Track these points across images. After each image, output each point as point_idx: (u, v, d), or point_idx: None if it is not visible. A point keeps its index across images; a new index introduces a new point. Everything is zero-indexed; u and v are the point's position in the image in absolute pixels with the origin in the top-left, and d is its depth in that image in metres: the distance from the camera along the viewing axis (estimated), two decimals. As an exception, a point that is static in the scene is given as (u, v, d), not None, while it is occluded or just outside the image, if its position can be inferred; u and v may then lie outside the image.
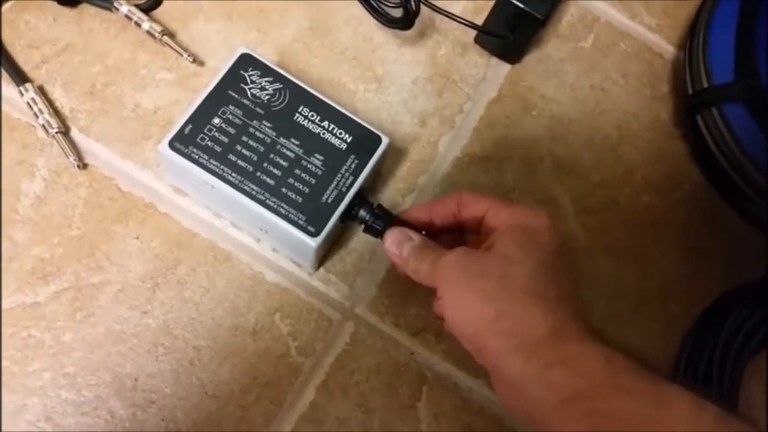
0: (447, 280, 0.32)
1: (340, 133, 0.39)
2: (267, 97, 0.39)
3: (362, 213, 0.39)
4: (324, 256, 0.42)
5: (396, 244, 0.36)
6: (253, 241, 0.42)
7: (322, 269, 0.42)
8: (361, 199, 0.39)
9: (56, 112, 0.42)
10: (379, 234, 0.39)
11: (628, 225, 0.47)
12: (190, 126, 0.38)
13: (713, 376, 0.41)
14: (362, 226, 0.39)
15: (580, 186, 0.47)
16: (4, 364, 0.37)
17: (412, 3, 0.42)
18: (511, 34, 0.45)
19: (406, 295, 0.42)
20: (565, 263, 0.33)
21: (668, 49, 0.52)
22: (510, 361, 0.30)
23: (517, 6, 0.44)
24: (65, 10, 0.45)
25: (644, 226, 0.47)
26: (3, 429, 0.36)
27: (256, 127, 0.38)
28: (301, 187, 0.38)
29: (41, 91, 0.42)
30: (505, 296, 0.31)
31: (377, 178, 0.44)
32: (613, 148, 0.49)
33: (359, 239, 0.43)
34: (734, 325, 0.42)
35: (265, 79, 0.40)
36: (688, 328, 0.44)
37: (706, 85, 0.45)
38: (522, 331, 0.30)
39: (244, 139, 0.38)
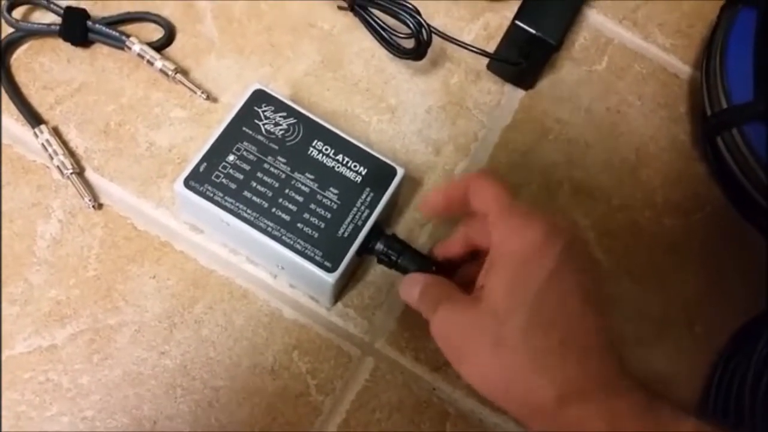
0: (446, 349, 0.32)
1: (355, 166, 0.39)
2: (281, 132, 0.39)
3: (379, 246, 0.38)
4: (341, 290, 0.41)
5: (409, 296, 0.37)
6: (269, 277, 0.41)
7: (339, 304, 0.41)
8: (377, 231, 0.39)
9: (71, 153, 0.42)
10: (394, 265, 0.38)
11: (649, 248, 0.46)
12: (205, 164, 0.37)
13: (744, 407, 0.39)
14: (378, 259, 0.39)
15: (601, 210, 0.46)
16: (21, 408, 0.37)
17: (424, 33, 0.42)
18: (524, 60, 0.45)
19: (426, 329, 0.41)
20: (582, 263, 0.31)
21: (683, 69, 0.52)
22: (527, 426, 0.30)
23: (530, 32, 0.43)
24: (78, 51, 0.45)
25: (666, 248, 0.46)
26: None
27: (271, 162, 0.38)
28: (316, 222, 0.37)
29: (56, 131, 0.42)
30: (508, 362, 0.29)
31: (393, 208, 0.43)
32: (632, 170, 0.48)
33: (377, 272, 0.42)
34: (764, 353, 0.41)
35: (279, 114, 0.39)
36: (715, 356, 0.43)
37: (725, 105, 0.44)
38: (530, 399, 0.29)
39: (259, 175, 0.38)
